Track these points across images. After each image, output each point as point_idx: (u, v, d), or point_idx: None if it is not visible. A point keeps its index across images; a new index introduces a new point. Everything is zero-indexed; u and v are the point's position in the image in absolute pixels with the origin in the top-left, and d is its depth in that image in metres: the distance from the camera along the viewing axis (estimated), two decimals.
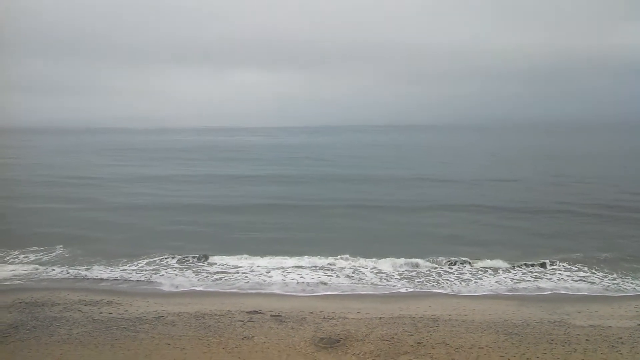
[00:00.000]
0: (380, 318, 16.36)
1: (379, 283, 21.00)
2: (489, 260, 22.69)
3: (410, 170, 58.83)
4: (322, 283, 20.94)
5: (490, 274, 22.00)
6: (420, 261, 22.47)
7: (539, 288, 20.13)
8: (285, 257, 23.60)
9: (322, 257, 23.35)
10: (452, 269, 22.34)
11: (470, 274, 22.07)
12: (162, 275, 22.34)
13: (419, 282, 21.36)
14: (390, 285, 20.86)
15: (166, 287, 20.83)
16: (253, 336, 14.87)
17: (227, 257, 23.54)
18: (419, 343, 14.41)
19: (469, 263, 22.42)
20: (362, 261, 23.06)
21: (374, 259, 23.17)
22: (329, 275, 21.72)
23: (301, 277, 21.61)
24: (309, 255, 23.74)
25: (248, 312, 17.04)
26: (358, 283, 21.05)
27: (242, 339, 14.72)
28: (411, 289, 20.55)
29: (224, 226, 30.30)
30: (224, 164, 72.40)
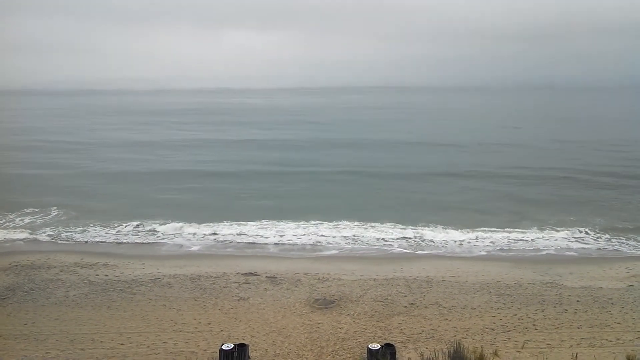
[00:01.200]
0: (374, 279, 16.50)
1: (375, 244, 21.20)
2: (485, 228, 23.03)
3: (411, 135, 58.16)
4: (317, 244, 21.21)
5: (485, 238, 22.23)
6: (422, 230, 23.18)
7: (532, 250, 20.29)
8: (283, 221, 23.86)
9: (319, 223, 23.66)
10: (447, 233, 22.64)
11: (463, 237, 22.37)
12: (158, 238, 22.51)
13: (413, 244, 21.67)
14: (387, 246, 21.15)
15: (162, 250, 20.95)
16: (248, 297, 14.93)
17: (220, 224, 23.59)
18: (412, 304, 14.53)
19: (465, 230, 22.74)
20: (356, 227, 23.52)
21: (372, 224, 23.69)
22: (324, 237, 22.17)
23: (298, 238, 21.88)
24: (305, 220, 23.97)
25: (244, 274, 17.14)
26: (354, 244, 21.28)
27: (238, 300, 14.80)
28: (405, 251, 20.71)
29: (220, 192, 30.27)
30: (220, 128, 70.86)
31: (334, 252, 20.26)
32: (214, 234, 22.28)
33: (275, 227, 22.99)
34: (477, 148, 46.40)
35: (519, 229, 22.79)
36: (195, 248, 20.91)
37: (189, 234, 22.33)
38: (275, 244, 21.35)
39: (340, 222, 23.48)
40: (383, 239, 21.83)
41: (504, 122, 74.22)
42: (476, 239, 21.66)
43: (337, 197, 28.39)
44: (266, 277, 16.85)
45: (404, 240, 21.64)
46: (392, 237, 21.92)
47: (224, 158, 42.11)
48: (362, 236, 21.85)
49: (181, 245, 21.13)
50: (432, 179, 33.10)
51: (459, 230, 22.36)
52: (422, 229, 22.48)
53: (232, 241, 21.78)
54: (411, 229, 22.62)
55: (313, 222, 23.40)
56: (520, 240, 21.51)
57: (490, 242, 21.34)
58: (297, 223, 23.31)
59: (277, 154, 43.74)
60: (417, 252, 20.29)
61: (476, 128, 67.17)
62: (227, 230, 22.73)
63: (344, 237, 21.60)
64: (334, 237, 21.79)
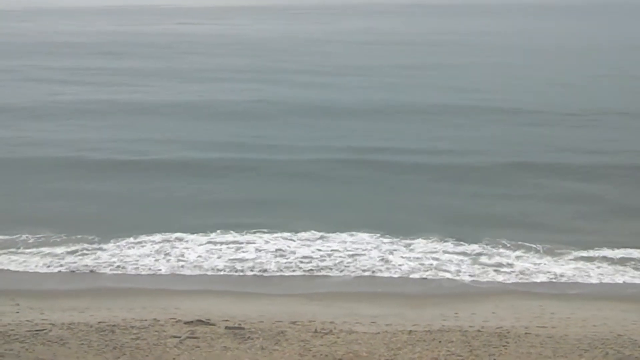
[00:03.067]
0: (409, 332, 13.60)
1: (410, 273, 17.13)
2: (593, 250, 18.61)
3: (453, 93, 45.22)
4: (315, 270, 17.38)
5: (594, 264, 17.94)
6: (489, 250, 18.51)
7: None
8: (252, 233, 19.50)
9: (316, 237, 19.31)
10: (531, 256, 18.19)
11: (559, 265, 17.98)
12: (42, 260, 18.21)
13: (471, 272, 17.60)
14: (430, 274, 17.21)
15: (50, 281, 17.29)
16: None
17: (149, 236, 19.31)
18: None
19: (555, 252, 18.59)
20: (369, 238, 18.98)
21: (398, 239, 19.06)
22: (321, 260, 17.77)
23: (278, 259, 17.72)
24: (292, 231, 19.67)
25: (188, 323, 14.08)
26: (371, 273, 17.56)
27: None
28: (463, 281, 17.02)
29: (144, 193, 24.62)
30: (137, 80, 54.20)
31: (338, 286, 16.74)
32: (132, 255, 18.04)
33: (241, 243, 18.85)
34: (567, 118, 37.54)
35: None
36: (104, 278, 17.27)
37: (90, 252, 18.18)
38: (239, 271, 17.20)
39: (350, 234, 19.30)
40: (422, 263, 17.66)
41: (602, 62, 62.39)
42: (579, 266, 17.56)
43: (343, 203, 23.12)
44: (226, 327, 13.80)
45: (460, 263, 17.56)
46: (438, 259, 17.76)
47: (145, 135, 33.46)
48: (389, 259, 17.81)
49: (81, 272, 17.43)
50: (499, 173, 26.63)
51: (550, 253, 18.31)
52: (490, 249, 18.68)
53: (170, 266, 17.70)
54: (470, 248, 18.49)
55: (304, 235, 19.38)
56: None
57: (603, 271, 17.33)
58: (275, 235, 19.44)
59: (236, 128, 35.19)
60: (482, 286, 16.97)
61: (561, 78, 52.99)
62: (157, 247, 18.60)
63: (354, 259, 17.58)
64: (339, 258, 17.74)
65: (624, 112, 39.08)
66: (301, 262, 18.15)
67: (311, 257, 18.36)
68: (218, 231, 20.36)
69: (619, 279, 17.67)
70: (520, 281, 17.72)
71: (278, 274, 17.77)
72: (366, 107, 40.38)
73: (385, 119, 37.39)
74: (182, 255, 18.68)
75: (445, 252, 18.74)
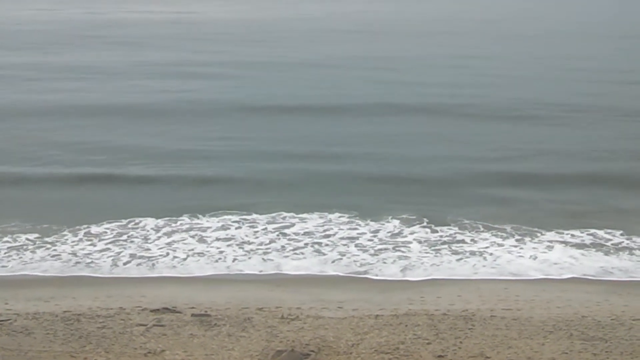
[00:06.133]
0: (376, 316, 13.91)
1: (374, 255, 17.21)
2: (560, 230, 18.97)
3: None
4: (274, 256, 17.17)
5: (563, 244, 18.05)
6: (454, 231, 18.65)
7: None
8: (211, 216, 19.62)
9: (282, 216, 19.55)
10: (494, 236, 18.32)
11: (530, 240, 18.42)
12: (5, 250, 17.98)
13: (436, 255, 17.72)
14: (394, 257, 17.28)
15: (11, 268, 16.97)
16: (163, 350, 12.26)
17: (105, 224, 19.08)
18: (440, 357, 11.98)
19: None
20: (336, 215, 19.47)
21: (369, 219, 19.28)
22: (283, 245, 17.80)
23: (240, 245, 17.74)
24: (262, 212, 19.87)
25: (154, 311, 14.22)
26: (338, 255, 17.58)
27: (145, 355, 12.06)
28: (426, 264, 17.05)
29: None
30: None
31: (304, 269, 16.75)
32: (92, 239, 18.02)
33: (202, 225, 18.96)
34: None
35: (614, 229, 18.94)
36: (70, 267, 16.97)
37: (53, 240, 18.06)
38: (204, 255, 17.16)
39: (314, 215, 19.67)
40: (385, 246, 17.73)
41: None
42: (543, 249, 17.59)
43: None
44: (193, 314, 13.96)
45: (424, 244, 17.76)
46: (403, 239, 17.98)
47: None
48: (356, 238, 18.09)
49: (45, 260, 17.26)
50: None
51: (515, 235, 18.47)
52: (453, 229, 18.79)
53: (133, 253, 17.49)
54: (435, 228, 18.78)
55: (271, 215, 19.65)
56: (621, 248, 17.97)
57: (566, 253, 17.37)
58: (243, 217, 19.47)
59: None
60: (447, 269, 17.08)
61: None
62: (116, 232, 18.56)
63: (317, 244, 17.78)
64: (304, 241, 17.91)
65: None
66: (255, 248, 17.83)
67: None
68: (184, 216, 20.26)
69: (583, 261, 17.66)
70: (486, 264, 17.68)
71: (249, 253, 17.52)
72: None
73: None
74: (146, 241, 18.31)
75: (411, 234, 18.64)
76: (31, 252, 18.43)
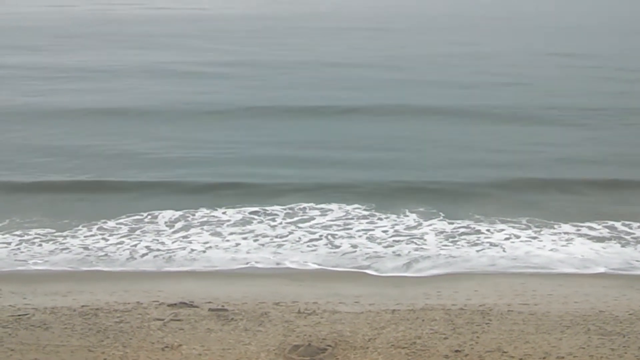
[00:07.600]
0: (392, 311, 13.83)
1: (390, 247, 17.25)
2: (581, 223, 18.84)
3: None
4: (290, 249, 17.12)
5: (580, 237, 17.86)
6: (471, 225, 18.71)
7: None
8: (228, 208, 19.61)
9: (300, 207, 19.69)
10: (513, 229, 18.33)
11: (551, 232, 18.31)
12: (21, 243, 18.00)
13: (454, 249, 17.66)
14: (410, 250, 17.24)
15: (31, 264, 16.98)
16: (180, 345, 12.22)
17: (120, 219, 19.13)
18: (457, 352, 11.86)
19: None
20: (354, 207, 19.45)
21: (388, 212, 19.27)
22: (299, 237, 17.72)
23: (255, 238, 17.64)
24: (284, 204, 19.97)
25: (172, 305, 14.24)
26: (354, 249, 17.54)
27: (162, 349, 12.01)
28: (444, 256, 17.12)
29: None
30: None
31: (320, 262, 16.69)
32: (112, 237, 17.89)
33: (220, 218, 18.89)
34: None
35: (632, 221, 18.80)
36: (87, 261, 17.01)
37: (69, 235, 18.05)
38: (222, 249, 17.07)
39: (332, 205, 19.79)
40: (399, 238, 17.65)
41: None
42: (562, 242, 17.43)
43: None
44: (210, 309, 13.89)
45: (441, 240, 17.60)
46: (417, 232, 18.00)
47: None
48: (370, 232, 18.13)
49: (62, 254, 17.33)
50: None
51: (532, 229, 18.35)
52: (471, 223, 18.70)
53: (150, 248, 17.55)
54: (454, 223, 18.60)
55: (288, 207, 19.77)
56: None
57: (584, 247, 17.27)
58: (262, 208, 19.55)
59: None
60: (465, 264, 17.06)
61: None
62: (128, 229, 18.47)
63: (331, 238, 17.76)
64: (320, 234, 18.01)
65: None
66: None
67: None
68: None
69: (603, 254, 17.59)
70: (503, 259, 17.78)
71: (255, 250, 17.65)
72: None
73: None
74: (159, 236, 18.55)
75: (428, 226, 18.76)
76: (48, 246, 18.48)
